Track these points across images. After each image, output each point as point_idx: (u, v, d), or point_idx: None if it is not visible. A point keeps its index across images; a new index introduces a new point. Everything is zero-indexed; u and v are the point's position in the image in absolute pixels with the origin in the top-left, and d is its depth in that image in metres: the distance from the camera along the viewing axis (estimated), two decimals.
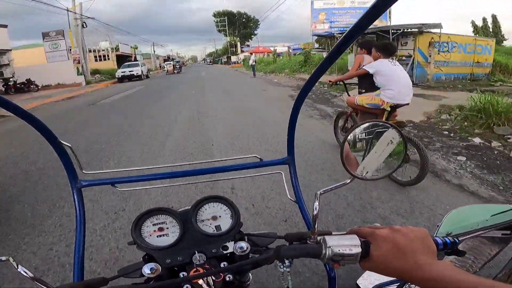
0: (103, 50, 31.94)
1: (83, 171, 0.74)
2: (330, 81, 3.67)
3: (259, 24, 74.14)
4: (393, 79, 2.92)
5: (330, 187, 0.62)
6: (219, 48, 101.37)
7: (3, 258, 0.54)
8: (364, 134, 0.62)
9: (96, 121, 6.96)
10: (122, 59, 34.10)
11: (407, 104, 3.00)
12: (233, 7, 65.89)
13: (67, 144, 0.68)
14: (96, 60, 31.36)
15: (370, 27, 0.41)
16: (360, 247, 0.46)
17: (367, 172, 0.62)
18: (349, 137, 0.62)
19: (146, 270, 0.57)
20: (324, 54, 18.37)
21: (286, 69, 18.04)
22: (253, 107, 7.68)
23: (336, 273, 0.65)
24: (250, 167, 0.85)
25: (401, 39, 10.95)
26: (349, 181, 0.62)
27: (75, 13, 19.44)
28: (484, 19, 31.66)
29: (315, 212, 0.56)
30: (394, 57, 3.55)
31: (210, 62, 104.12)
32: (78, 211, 0.71)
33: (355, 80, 3.75)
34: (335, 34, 18.18)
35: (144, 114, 7.49)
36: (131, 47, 43.45)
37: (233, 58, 54.19)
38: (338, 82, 3.67)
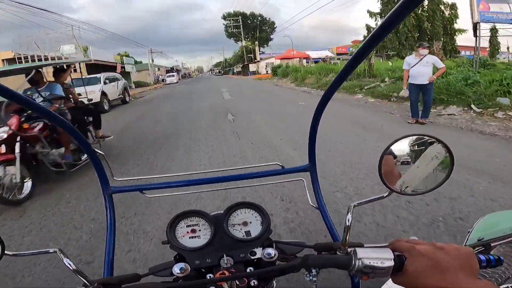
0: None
1: (114, 178, 0.79)
2: None
3: (275, 28, 63.42)
4: None
5: (364, 200, 0.61)
6: (229, 56, 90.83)
7: (51, 250, 0.58)
8: (406, 147, 0.58)
9: None
10: (101, 71, 23.67)
11: None
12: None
13: (101, 152, 0.75)
14: None
15: None
16: (393, 260, 0.45)
17: (407, 187, 0.58)
18: (389, 150, 0.58)
19: (176, 269, 0.58)
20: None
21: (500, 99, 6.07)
22: None
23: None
24: (272, 174, 0.86)
25: None
26: (386, 194, 0.60)
27: None
28: None
29: (348, 224, 0.55)
30: None
31: (219, 72, 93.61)
32: (109, 215, 0.74)
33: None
34: None
35: None
36: (119, 55, 32.80)
37: (252, 67, 42.89)
38: None
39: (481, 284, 0.40)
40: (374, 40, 0.37)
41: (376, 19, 37.43)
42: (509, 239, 0.75)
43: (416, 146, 0.57)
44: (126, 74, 29.57)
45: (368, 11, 36.68)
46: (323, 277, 1.52)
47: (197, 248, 0.65)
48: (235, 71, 65.40)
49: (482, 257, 0.48)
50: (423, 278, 0.41)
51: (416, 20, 33.82)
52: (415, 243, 0.46)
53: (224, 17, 61.20)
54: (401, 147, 0.57)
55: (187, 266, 0.58)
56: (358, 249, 0.47)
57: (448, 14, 35.23)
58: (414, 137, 0.57)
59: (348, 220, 0.55)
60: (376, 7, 36.25)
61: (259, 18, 59.83)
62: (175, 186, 0.81)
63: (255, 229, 0.70)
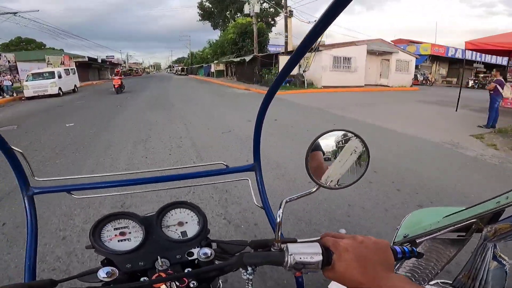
0: None
1: (35, 178, 0.73)
2: None
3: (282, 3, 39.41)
4: None
5: (295, 196, 0.61)
6: (197, 50, 63.91)
7: None
8: (330, 142, 0.60)
9: None
10: None
11: None
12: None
13: (19, 150, 0.67)
14: None
15: None
16: (321, 255, 0.46)
17: (331, 181, 0.60)
18: (314, 145, 0.59)
19: (102, 274, 0.54)
20: None
21: None
22: None
23: (304, 281, 0.63)
24: (216, 173, 0.84)
25: None
26: (314, 189, 0.61)
27: None
28: None
29: (278, 220, 0.54)
30: None
31: (182, 71, 65.92)
32: (29, 218, 0.69)
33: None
34: None
35: None
36: None
37: (284, 63, 17.92)
38: None
39: (396, 277, 0.42)
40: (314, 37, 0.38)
41: None
42: (430, 235, 0.77)
43: (338, 141, 0.59)
44: None
45: None
46: (276, 276, 1.43)
47: (127, 251, 0.61)
48: (213, 70, 39.57)
49: (397, 248, 0.50)
50: (348, 271, 0.43)
51: None
52: (340, 237, 0.47)
53: None
54: (326, 143, 0.59)
55: (115, 270, 0.55)
56: (289, 245, 0.48)
57: None
58: (336, 132, 0.59)
59: (279, 215, 0.54)
60: None
61: None
62: (109, 186, 0.76)
63: (192, 229, 0.67)
